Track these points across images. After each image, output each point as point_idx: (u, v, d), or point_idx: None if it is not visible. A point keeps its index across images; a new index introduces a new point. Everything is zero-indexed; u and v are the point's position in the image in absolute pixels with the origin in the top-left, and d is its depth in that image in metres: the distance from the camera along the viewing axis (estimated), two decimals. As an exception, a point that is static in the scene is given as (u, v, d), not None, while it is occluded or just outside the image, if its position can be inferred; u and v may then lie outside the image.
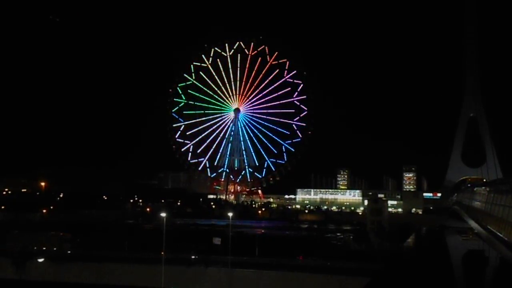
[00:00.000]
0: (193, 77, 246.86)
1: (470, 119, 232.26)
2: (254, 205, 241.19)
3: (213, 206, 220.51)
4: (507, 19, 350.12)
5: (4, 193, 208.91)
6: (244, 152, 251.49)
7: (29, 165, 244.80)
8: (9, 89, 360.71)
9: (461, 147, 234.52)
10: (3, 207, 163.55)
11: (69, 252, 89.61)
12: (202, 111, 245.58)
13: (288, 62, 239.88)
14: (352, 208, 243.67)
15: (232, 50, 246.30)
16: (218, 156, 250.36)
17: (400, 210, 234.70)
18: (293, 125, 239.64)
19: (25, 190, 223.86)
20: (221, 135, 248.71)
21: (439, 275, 39.13)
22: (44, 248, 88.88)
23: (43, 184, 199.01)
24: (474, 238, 65.58)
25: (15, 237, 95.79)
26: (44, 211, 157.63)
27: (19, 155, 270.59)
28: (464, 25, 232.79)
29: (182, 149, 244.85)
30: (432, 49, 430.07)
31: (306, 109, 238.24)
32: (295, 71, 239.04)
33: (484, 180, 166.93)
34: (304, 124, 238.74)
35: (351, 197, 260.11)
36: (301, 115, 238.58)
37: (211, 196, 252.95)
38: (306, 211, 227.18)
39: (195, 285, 76.63)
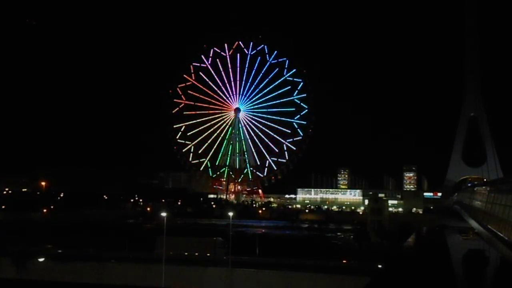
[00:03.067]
0: (193, 78, 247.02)
1: (471, 118, 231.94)
2: (254, 205, 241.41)
3: (214, 206, 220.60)
4: (508, 18, 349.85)
5: (5, 192, 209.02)
6: (245, 151, 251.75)
7: (29, 164, 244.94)
8: (10, 89, 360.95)
9: (462, 146, 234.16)
10: (3, 207, 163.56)
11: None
12: (203, 112, 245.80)
13: (287, 61, 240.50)
14: (353, 207, 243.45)
15: (232, 50, 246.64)
16: (219, 156, 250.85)
17: (400, 209, 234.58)
18: (294, 123, 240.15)
19: (25, 189, 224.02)
20: (222, 135, 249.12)
21: (440, 274, 39.06)
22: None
23: (43, 183, 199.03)
24: (475, 237, 65.45)
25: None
26: (45, 210, 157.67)
27: (19, 155, 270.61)
28: (465, 24, 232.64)
29: (183, 150, 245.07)
30: (432, 48, 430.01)
31: (306, 107, 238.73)
32: (295, 70, 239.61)
33: (485, 179, 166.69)
34: (305, 122, 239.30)
35: (351, 196, 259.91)
36: (301, 113, 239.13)
37: (211, 196, 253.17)
38: (307, 210, 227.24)
39: (195, 285, 76.47)
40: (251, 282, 74.86)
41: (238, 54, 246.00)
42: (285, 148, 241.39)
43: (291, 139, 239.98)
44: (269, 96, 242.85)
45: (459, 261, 49.69)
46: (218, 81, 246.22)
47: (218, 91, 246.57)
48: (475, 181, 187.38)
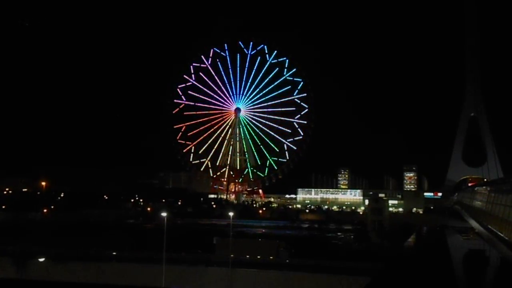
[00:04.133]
0: (193, 78, 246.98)
1: (471, 118, 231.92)
2: (255, 205, 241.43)
3: (214, 206, 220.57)
4: (508, 19, 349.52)
5: (5, 192, 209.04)
6: (245, 151, 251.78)
7: (30, 164, 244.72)
8: (10, 89, 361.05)
9: (462, 146, 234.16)
10: (3, 207, 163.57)
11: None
12: (203, 112, 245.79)
13: (287, 60, 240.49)
14: (353, 207, 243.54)
15: (231, 50, 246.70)
16: (220, 156, 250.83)
17: (400, 209, 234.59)
18: (294, 123, 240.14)
19: (25, 189, 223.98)
20: (222, 135, 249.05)
21: (440, 274, 39.00)
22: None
23: (43, 183, 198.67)
24: (475, 237, 65.38)
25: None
26: (45, 210, 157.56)
27: (20, 155, 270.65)
28: (465, 24, 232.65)
29: (184, 150, 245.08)
30: (433, 48, 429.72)
31: (307, 106, 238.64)
32: (295, 69, 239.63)
33: (485, 179, 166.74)
34: (305, 122, 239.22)
35: (351, 196, 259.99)
36: (302, 113, 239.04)
37: (212, 196, 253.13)
38: (307, 210, 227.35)
39: (195, 285, 76.43)
40: (251, 282, 74.81)
41: (238, 54, 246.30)
42: (285, 148, 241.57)
43: (292, 139, 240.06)
44: (269, 96, 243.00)
45: (460, 261, 49.62)
46: (218, 81, 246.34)
47: (218, 91, 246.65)
48: (476, 181, 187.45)
